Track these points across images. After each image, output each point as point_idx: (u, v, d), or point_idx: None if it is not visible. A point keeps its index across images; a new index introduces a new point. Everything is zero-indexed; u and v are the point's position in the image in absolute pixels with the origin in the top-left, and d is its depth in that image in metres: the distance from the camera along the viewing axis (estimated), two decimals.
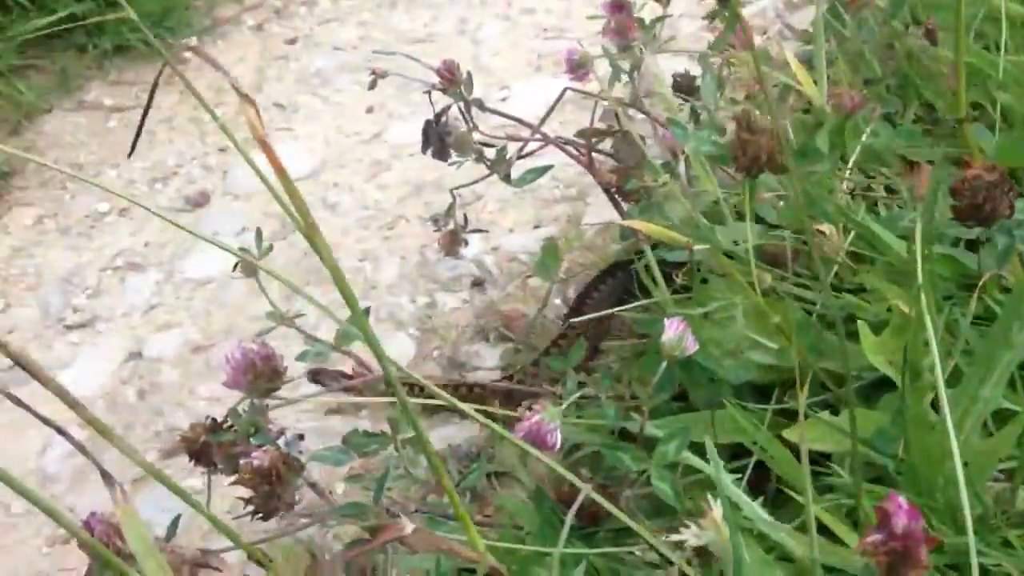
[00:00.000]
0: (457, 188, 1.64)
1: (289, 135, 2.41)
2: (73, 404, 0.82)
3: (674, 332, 1.09)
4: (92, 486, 1.71)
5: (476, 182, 1.66)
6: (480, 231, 1.74)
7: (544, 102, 1.66)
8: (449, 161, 1.51)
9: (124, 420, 1.81)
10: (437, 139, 1.57)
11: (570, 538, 1.10)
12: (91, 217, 2.23)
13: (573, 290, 1.86)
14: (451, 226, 1.64)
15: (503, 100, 2.34)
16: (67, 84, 2.55)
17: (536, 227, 2.04)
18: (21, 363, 0.76)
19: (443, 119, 1.57)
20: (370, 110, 2.41)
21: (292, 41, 2.67)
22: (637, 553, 1.04)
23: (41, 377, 0.79)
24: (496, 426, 0.98)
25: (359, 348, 1.49)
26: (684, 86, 1.58)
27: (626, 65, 1.39)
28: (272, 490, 1.01)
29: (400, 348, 1.83)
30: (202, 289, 2.04)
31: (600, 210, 2.04)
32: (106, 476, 0.85)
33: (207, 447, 1.18)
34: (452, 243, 1.64)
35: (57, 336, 1.98)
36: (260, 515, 1.05)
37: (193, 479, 1.63)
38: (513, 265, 1.97)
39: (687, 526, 0.80)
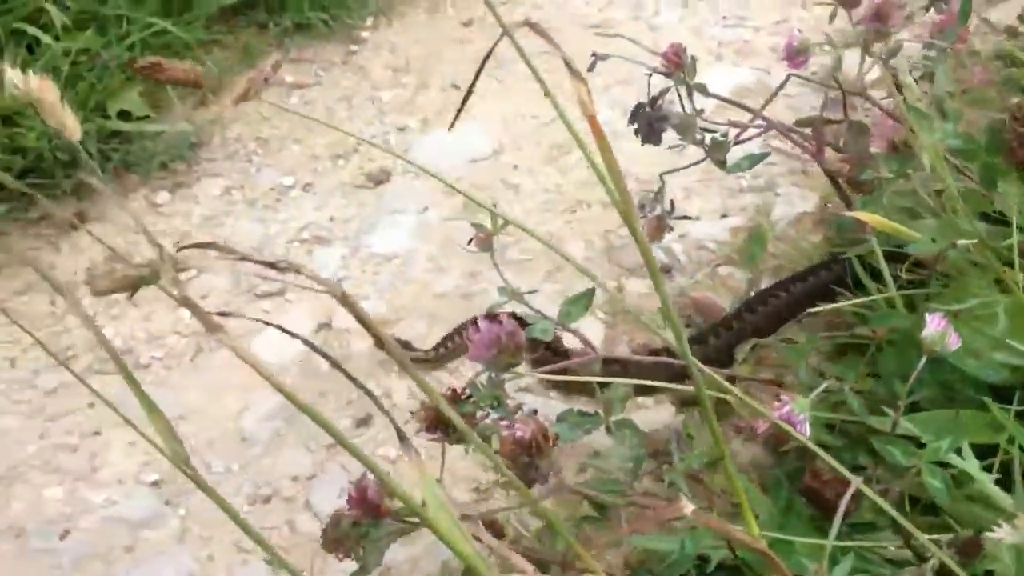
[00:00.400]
0: (667, 173, 1.62)
1: (466, 115, 2.41)
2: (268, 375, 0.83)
3: (936, 327, 1.06)
4: (288, 450, 1.75)
5: (681, 169, 1.64)
6: (687, 217, 1.72)
7: (727, 90, 1.64)
8: (670, 146, 1.50)
9: (317, 388, 1.85)
10: (646, 123, 1.56)
11: (809, 529, 1.08)
12: (276, 190, 2.28)
13: (767, 281, 1.82)
14: (657, 211, 1.63)
15: None
16: (249, 60, 2.61)
17: (723, 216, 2.01)
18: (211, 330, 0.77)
19: (658, 103, 1.56)
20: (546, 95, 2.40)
21: (467, 23, 2.68)
22: (891, 548, 1.02)
23: (239, 351, 0.81)
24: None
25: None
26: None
27: (880, 52, 1.34)
28: (532, 462, 1.01)
29: (590, 331, 1.82)
30: (388, 264, 2.07)
31: (791, 201, 2.00)
32: (402, 437, 0.86)
33: (444, 417, 1.19)
34: (658, 229, 1.62)
35: (248, 304, 2.03)
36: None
37: (386, 448, 1.66)
38: (701, 253, 1.95)
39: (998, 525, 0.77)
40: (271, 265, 0.81)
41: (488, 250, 1.44)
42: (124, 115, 2.38)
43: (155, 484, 1.72)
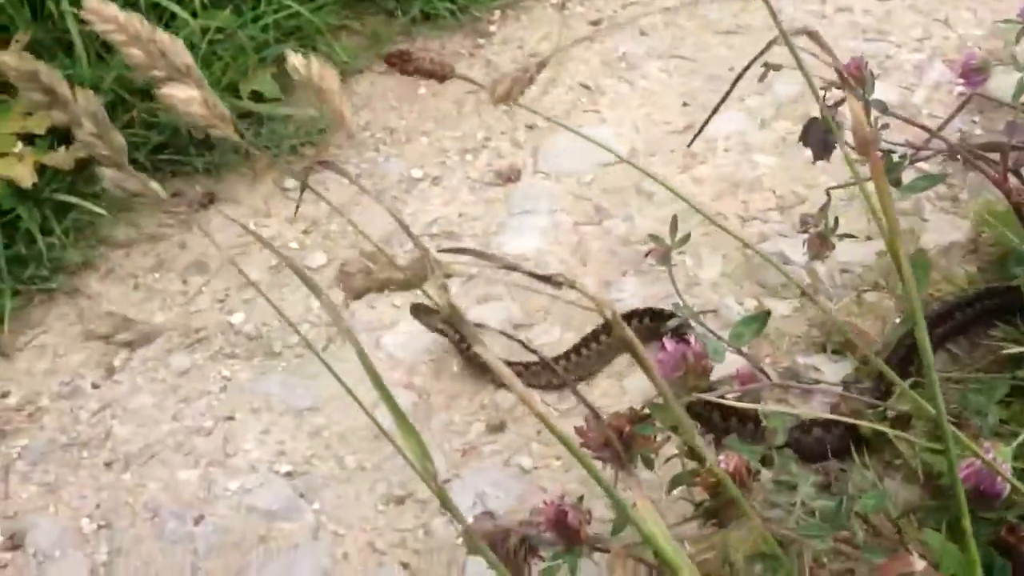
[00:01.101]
0: (833, 188, 1.58)
1: (596, 117, 2.39)
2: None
3: None
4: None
5: (842, 186, 1.60)
6: (850, 236, 1.67)
7: None
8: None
9: (449, 389, 1.84)
10: (819, 138, 1.52)
11: None
12: (405, 182, 2.27)
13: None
14: (821, 228, 1.58)
15: None
16: (378, 47, 2.60)
17: (868, 238, 1.96)
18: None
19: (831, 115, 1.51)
20: (685, 104, 2.37)
21: (596, 23, 2.65)
22: None
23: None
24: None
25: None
26: None
27: None
28: (729, 499, 0.99)
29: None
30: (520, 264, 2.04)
31: (940, 228, 1.94)
32: (625, 468, 0.84)
33: (629, 436, 1.17)
34: (821, 246, 1.58)
35: (380, 297, 2.02)
36: (715, 522, 1.03)
37: (520, 456, 1.64)
38: (846, 277, 1.90)
39: None
40: (546, 279, 0.78)
41: (666, 264, 1.41)
42: (255, 97, 2.38)
43: (289, 475, 1.72)
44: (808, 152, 2.10)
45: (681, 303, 1.44)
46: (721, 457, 1.01)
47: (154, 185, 0.74)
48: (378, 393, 0.78)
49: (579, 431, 1.29)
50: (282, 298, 2.02)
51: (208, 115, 0.75)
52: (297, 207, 2.21)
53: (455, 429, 1.77)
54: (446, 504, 0.81)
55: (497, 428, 1.76)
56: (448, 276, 0.75)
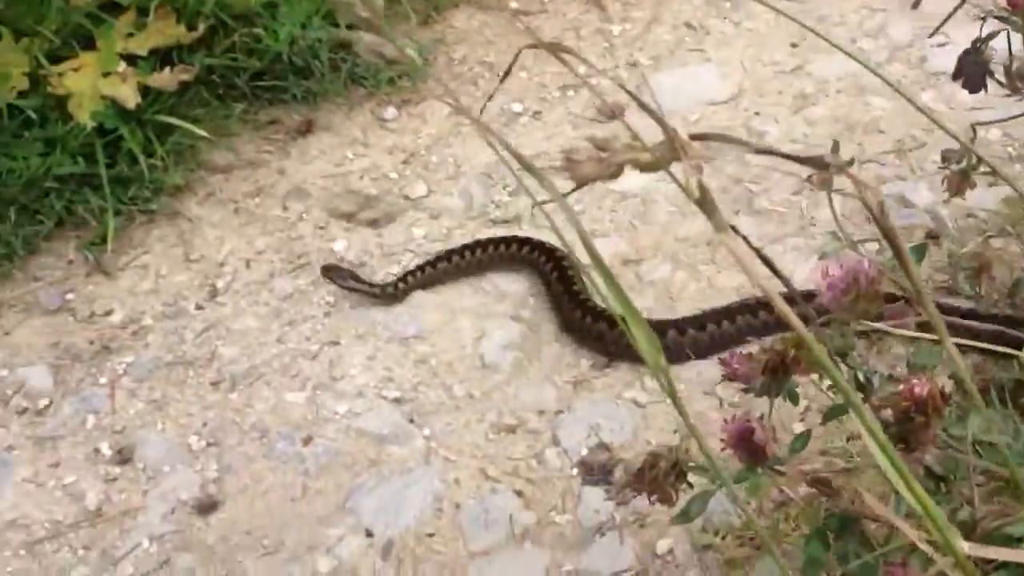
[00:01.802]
0: (979, 124, 1.52)
1: (701, 56, 2.33)
2: None
3: None
4: (532, 382, 1.71)
5: (997, 122, 1.53)
6: (994, 172, 1.60)
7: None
8: (1008, 94, 1.39)
9: (554, 320, 1.80)
10: (975, 70, 1.45)
11: None
12: (505, 115, 2.23)
13: None
14: (963, 165, 1.52)
15: None
16: None
17: (991, 185, 1.88)
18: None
19: (981, 48, 1.45)
20: (794, 45, 2.30)
21: None
22: None
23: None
24: None
25: None
26: None
27: None
28: (926, 422, 0.94)
29: None
30: (626, 202, 2.00)
31: None
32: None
33: (788, 362, 1.12)
34: (962, 183, 1.52)
35: (481, 228, 1.99)
36: (903, 446, 0.98)
37: (632, 391, 1.60)
38: (970, 222, 1.84)
39: None
40: (811, 162, 0.74)
41: (827, 189, 1.36)
42: (352, 27, 2.33)
43: (397, 401, 1.69)
44: (925, 96, 2.03)
45: (835, 231, 1.37)
46: (915, 381, 0.96)
47: (410, 52, 0.69)
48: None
49: (723, 362, 1.25)
50: (381, 228, 1.99)
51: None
52: None
53: (565, 362, 1.73)
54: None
55: (605, 363, 1.72)
56: (698, 160, 0.70)
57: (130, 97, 1.99)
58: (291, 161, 2.14)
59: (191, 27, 2.13)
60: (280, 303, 1.86)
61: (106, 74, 2.05)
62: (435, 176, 2.09)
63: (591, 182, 0.71)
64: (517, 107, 2.23)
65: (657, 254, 1.89)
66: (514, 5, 2.50)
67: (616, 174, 0.71)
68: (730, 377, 1.21)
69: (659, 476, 1.11)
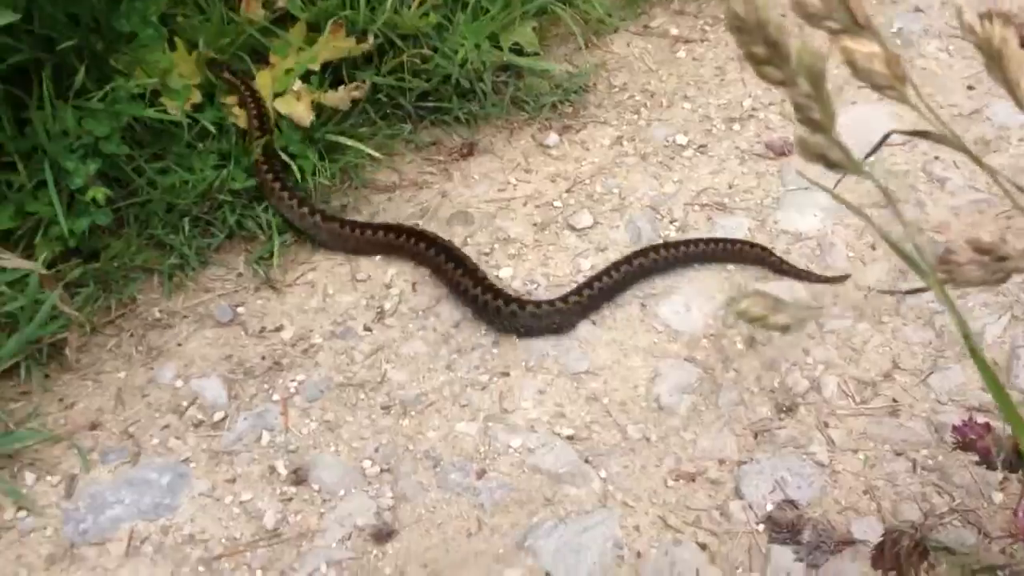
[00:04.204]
0: None
1: (874, 94, 2.26)
2: None
3: None
4: (711, 429, 1.67)
5: None
6: None
7: None
8: None
9: (732, 367, 1.76)
10: None
11: None
12: (670, 148, 2.19)
13: None
14: None
15: None
16: (633, 6, 2.52)
17: None
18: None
19: None
20: (970, 88, 2.23)
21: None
22: None
23: None
24: None
25: None
26: None
27: None
28: None
29: None
30: (800, 244, 1.96)
31: None
32: None
33: None
34: None
35: None
36: None
37: (816, 444, 1.55)
38: None
39: None
40: None
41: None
42: (515, 50, 2.32)
43: (570, 439, 1.67)
44: None
45: None
46: None
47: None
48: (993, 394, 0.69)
49: (956, 429, 1.20)
50: (548, 257, 1.97)
51: (888, 74, 0.68)
52: None
53: (743, 409, 1.69)
54: None
55: (787, 410, 1.68)
56: None
57: (305, 116, 2.00)
58: (454, 184, 2.13)
59: (360, 40, 2.13)
60: (448, 329, 1.85)
61: (281, 93, 2.06)
62: (600, 207, 2.06)
63: (973, 287, 0.67)
64: (681, 139, 2.20)
65: (837, 302, 1.84)
66: (674, 32, 2.47)
67: (1003, 280, 0.67)
68: (962, 446, 1.17)
69: (901, 555, 1.07)
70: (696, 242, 1.89)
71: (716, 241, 1.89)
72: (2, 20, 1.66)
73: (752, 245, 1.88)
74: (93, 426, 1.70)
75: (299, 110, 2.02)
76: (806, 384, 1.70)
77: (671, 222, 2.03)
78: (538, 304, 1.79)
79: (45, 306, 1.69)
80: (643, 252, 1.88)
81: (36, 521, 1.57)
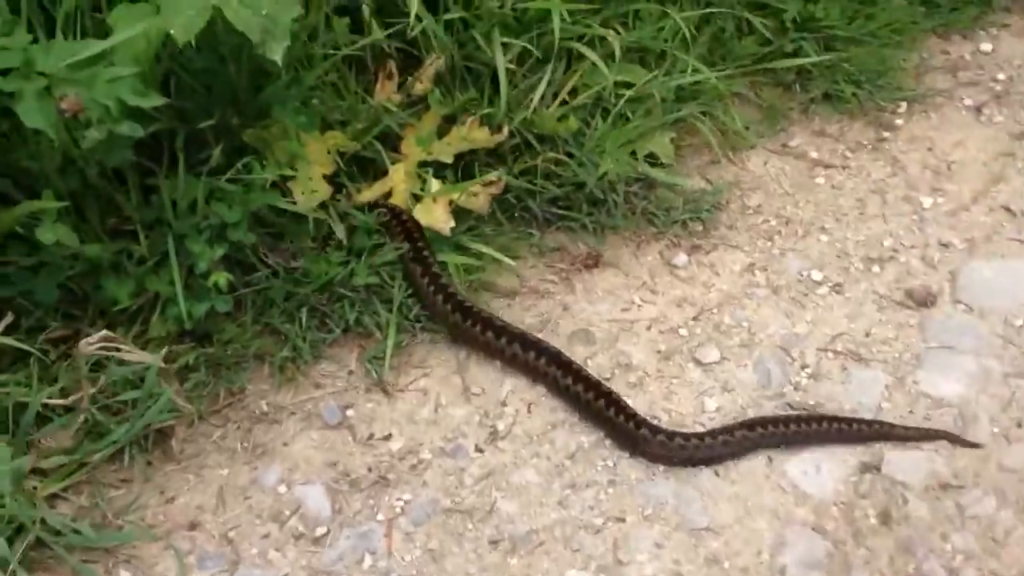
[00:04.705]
0: None
1: (1022, 248, 2.15)
2: None
3: None
4: None
5: None
6: None
7: None
8: None
9: (864, 543, 1.65)
10: None
11: None
12: (804, 283, 2.10)
13: None
14: None
15: None
16: (772, 122, 2.44)
17: None
18: None
19: None
20: None
21: (1020, 136, 2.40)
22: None
23: None
24: None
25: None
26: None
27: None
28: None
29: None
30: (940, 411, 1.85)
31: None
32: None
33: None
34: None
35: (775, 410, 1.86)
36: None
37: None
38: None
39: None
40: None
41: None
42: (649, 160, 2.25)
43: None
44: None
45: None
46: None
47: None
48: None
49: None
50: (671, 391, 1.89)
51: None
52: None
53: None
54: None
55: None
56: None
57: (445, 224, 1.96)
58: (576, 296, 2.05)
59: (495, 131, 2.08)
60: (562, 460, 1.77)
61: (418, 197, 2.00)
62: (727, 341, 1.97)
63: None
64: (816, 275, 2.10)
65: (979, 483, 1.72)
66: (814, 154, 2.38)
67: None
68: None
69: None
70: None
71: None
72: (151, 103, 1.63)
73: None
74: (192, 526, 1.64)
75: (439, 218, 1.97)
76: (949, 572, 1.58)
77: (802, 367, 1.93)
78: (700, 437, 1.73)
79: (161, 400, 1.64)
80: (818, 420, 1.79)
81: None
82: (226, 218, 1.79)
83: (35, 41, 1.64)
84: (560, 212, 2.14)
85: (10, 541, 1.52)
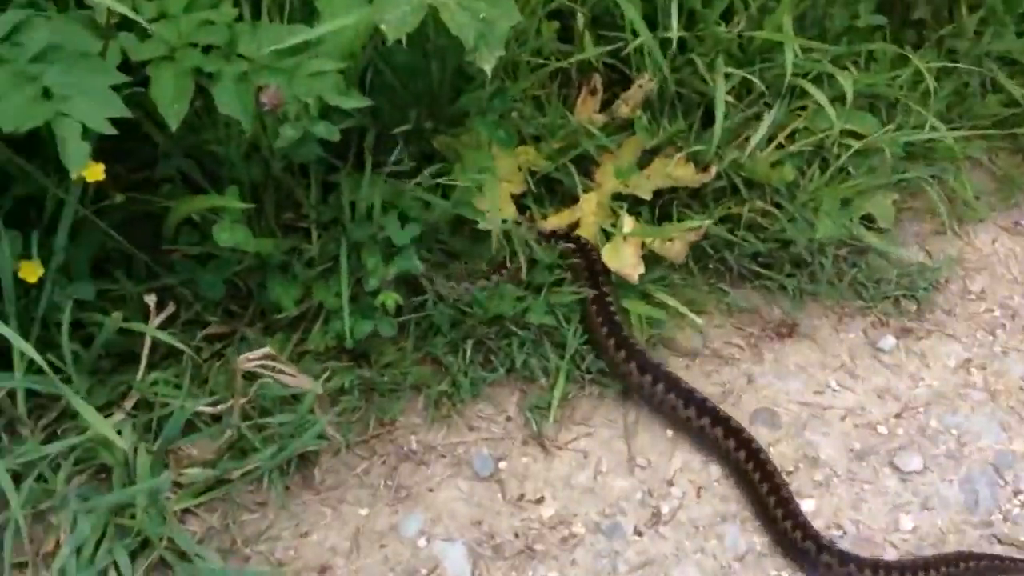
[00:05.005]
0: None
1: None
2: None
3: None
4: None
5: None
6: None
7: None
8: None
9: None
10: None
11: None
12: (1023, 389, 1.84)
13: None
14: None
15: None
16: (1006, 194, 2.17)
17: None
18: None
19: None
20: None
21: None
22: None
23: None
24: None
25: None
26: None
27: None
28: None
29: None
30: None
31: None
32: None
33: None
34: None
35: (980, 542, 1.62)
36: None
37: None
38: None
39: None
40: None
41: None
42: (865, 221, 2.01)
43: None
44: None
45: None
46: None
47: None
48: None
49: None
50: (861, 498, 1.67)
51: None
52: None
53: None
54: None
55: None
56: None
57: (634, 271, 1.78)
58: (763, 368, 1.85)
59: (700, 170, 1.89)
60: (730, 561, 1.59)
61: (607, 234, 1.83)
62: (933, 449, 1.74)
63: None
64: None
65: None
66: None
67: None
68: None
69: None
70: None
71: None
72: (354, 103, 1.49)
73: None
74: (323, 569, 1.52)
75: (628, 262, 1.79)
76: None
77: (1016, 494, 1.68)
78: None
79: (313, 429, 1.52)
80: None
81: None
82: (397, 239, 1.66)
83: (240, 19, 1.52)
84: (758, 270, 1.94)
85: (133, 556, 1.42)
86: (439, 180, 1.73)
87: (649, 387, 1.69)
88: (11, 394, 1.48)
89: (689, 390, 1.69)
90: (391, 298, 1.66)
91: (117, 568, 1.41)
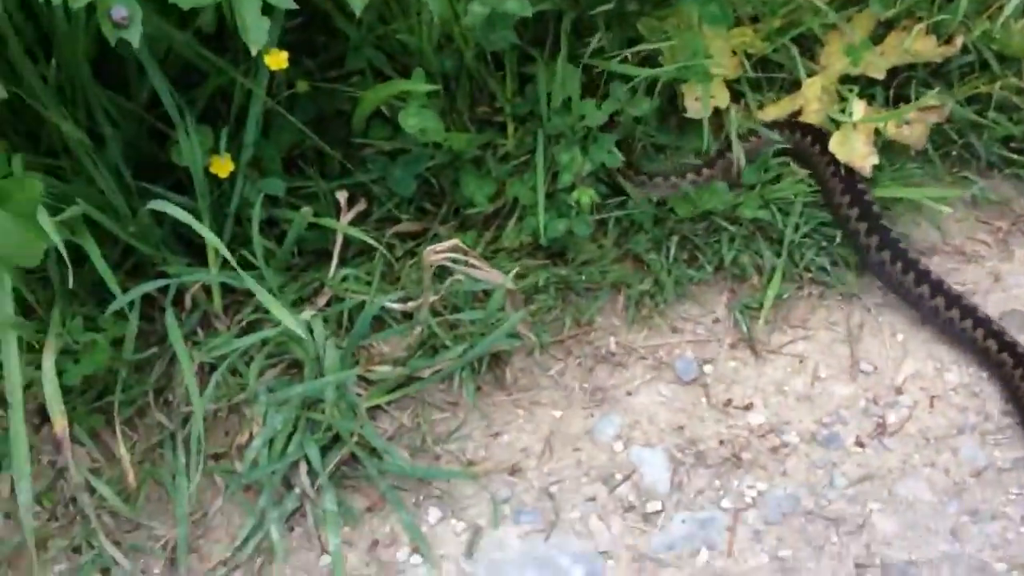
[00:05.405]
0: None
1: None
2: None
3: None
4: None
5: None
6: None
7: None
8: None
9: None
10: None
11: None
12: None
13: None
14: None
15: None
16: None
17: None
18: None
19: None
20: None
21: None
22: None
23: None
24: None
25: None
26: None
27: None
28: None
29: None
30: None
31: None
32: None
33: None
34: None
35: None
36: None
37: None
38: None
39: None
40: None
41: None
42: None
43: None
44: None
45: None
46: None
47: None
48: None
49: None
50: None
51: None
52: None
53: None
54: None
55: None
56: None
57: (867, 162, 1.59)
58: (1012, 266, 1.62)
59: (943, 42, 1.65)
60: (965, 477, 1.40)
61: (835, 121, 1.64)
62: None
63: None
64: None
65: None
66: None
67: None
68: None
69: None
70: None
71: None
72: (523, 10, 1.39)
73: None
74: (513, 470, 1.46)
75: (860, 152, 1.60)
76: None
77: None
78: None
79: (507, 324, 1.45)
80: None
81: (428, 572, 1.36)
82: (589, 121, 1.55)
83: None
84: (1010, 156, 1.70)
85: (323, 451, 1.41)
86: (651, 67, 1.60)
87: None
88: (207, 289, 1.50)
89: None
90: (586, 195, 1.56)
91: (308, 461, 1.41)
